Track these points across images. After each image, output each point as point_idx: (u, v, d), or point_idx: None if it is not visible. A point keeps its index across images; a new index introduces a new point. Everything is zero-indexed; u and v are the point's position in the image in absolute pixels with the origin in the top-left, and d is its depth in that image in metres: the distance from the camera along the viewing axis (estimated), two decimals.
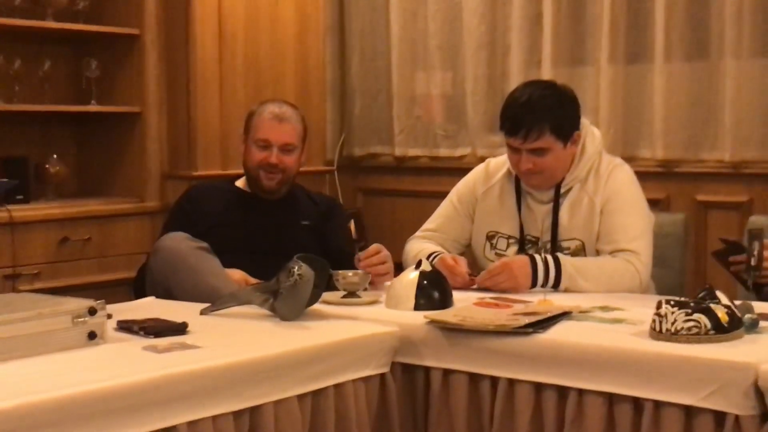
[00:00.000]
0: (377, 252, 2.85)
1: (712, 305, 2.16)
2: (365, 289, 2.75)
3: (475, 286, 2.83)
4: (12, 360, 1.97)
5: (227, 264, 2.83)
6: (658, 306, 2.18)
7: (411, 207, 4.75)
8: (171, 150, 4.38)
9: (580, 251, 2.92)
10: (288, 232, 3.15)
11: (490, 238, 3.04)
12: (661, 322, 2.15)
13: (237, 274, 2.83)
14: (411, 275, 2.62)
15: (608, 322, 2.37)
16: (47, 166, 4.20)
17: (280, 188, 3.18)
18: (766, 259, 2.66)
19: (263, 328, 2.37)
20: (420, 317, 2.43)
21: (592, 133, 3.01)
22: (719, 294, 2.22)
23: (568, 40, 4.43)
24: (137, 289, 3.03)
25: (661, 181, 4.17)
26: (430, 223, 3.17)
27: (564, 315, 2.39)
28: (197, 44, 4.31)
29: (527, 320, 2.30)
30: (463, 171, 3.26)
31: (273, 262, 2.61)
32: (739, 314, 2.19)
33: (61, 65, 4.33)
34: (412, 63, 4.92)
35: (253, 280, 2.80)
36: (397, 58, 4.91)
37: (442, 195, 3.22)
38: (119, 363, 2.01)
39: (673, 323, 2.14)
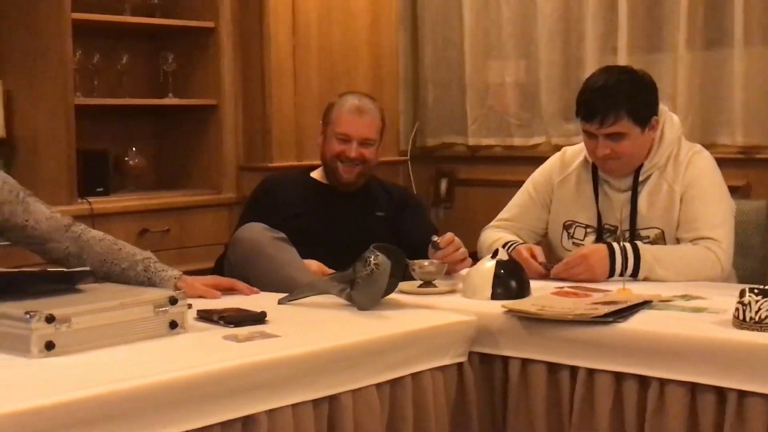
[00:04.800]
0: (452, 240, 2.83)
1: None
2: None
3: (551, 278, 2.81)
4: (96, 349, 1.99)
5: (303, 254, 2.84)
6: (742, 294, 2.14)
7: (485, 196, 4.73)
8: (247, 142, 4.42)
9: (659, 240, 2.88)
10: (363, 222, 3.15)
11: (567, 227, 3.02)
12: (744, 311, 2.12)
13: (314, 265, 2.85)
14: (488, 264, 2.60)
15: (689, 311, 2.33)
16: (126, 158, 4.27)
17: (358, 181, 3.17)
18: None
19: (341, 318, 2.37)
20: (497, 306, 2.41)
21: (671, 120, 2.96)
22: None
23: (644, 26, 4.36)
24: None
25: (741, 167, 4.09)
26: (505, 213, 3.15)
27: (644, 304, 2.36)
28: (271, 36, 4.35)
29: (607, 309, 2.27)
30: (538, 160, 3.23)
31: (347, 253, 2.61)
32: None
33: (138, 59, 4.40)
34: (485, 52, 4.89)
35: (329, 271, 2.80)
36: (469, 48, 4.88)
37: (516, 184, 3.19)
38: (201, 352, 2.03)
39: (757, 312, 2.10)
